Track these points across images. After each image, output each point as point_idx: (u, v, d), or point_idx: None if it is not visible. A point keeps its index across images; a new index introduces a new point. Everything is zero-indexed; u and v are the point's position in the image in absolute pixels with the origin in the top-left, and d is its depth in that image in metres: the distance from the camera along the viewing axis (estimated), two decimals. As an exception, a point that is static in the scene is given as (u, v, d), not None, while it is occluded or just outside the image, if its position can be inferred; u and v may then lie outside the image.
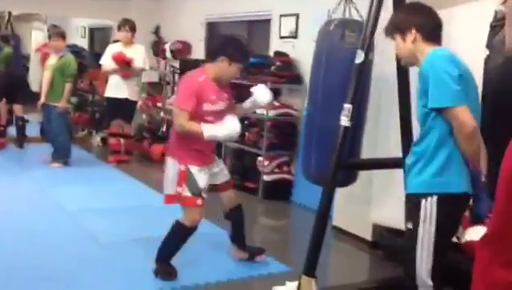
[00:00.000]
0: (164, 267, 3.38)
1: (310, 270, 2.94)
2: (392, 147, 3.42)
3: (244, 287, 3.46)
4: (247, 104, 3.53)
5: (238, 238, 3.69)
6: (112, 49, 6.55)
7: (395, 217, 3.64)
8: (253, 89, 3.47)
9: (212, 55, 3.39)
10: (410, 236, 2.31)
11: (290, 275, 3.38)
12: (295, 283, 3.00)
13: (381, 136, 3.71)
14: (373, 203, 3.90)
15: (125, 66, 6.32)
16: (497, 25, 2.74)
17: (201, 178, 3.28)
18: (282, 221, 5.19)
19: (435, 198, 2.22)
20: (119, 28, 6.51)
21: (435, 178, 2.24)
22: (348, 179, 3.35)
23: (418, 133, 2.39)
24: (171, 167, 3.30)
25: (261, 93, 3.46)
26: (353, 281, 3.50)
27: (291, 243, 4.60)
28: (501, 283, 0.89)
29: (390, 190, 3.66)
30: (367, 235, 4.17)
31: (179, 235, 3.37)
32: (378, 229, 4.06)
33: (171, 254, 3.39)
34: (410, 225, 2.33)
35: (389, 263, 3.83)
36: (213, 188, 3.51)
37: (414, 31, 2.36)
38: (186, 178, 3.24)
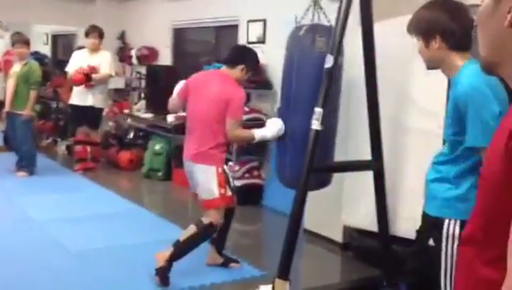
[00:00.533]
0: (167, 271, 3.35)
1: (284, 273, 2.96)
2: (362, 150, 3.48)
3: (218, 292, 3.46)
4: (259, 135, 3.45)
5: (219, 241, 3.70)
6: (77, 56, 6.46)
7: (365, 219, 3.71)
8: (269, 123, 3.47)
9: (232, 61, 3.51)
10: (433, 252, 2.19)
11: (263, 278, 3.41)
12: (269, 287, 3.01)
13: (351, 139, 3.77)
14: (344, 205, 3.95)
15: (86, 81, 6.23)
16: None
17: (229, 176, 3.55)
18: (253, 225, 5.20)
19: (458, 221, 2.10)
20: (87, 35, 6.41)
21: (460, 203, 2.08)
22: (322, 182, 3.38)
23: (444, 148, 2.21)
24: (205, 172, 3.37)
25: (274, 130, 3.39)
26: (326, 283, 3.54)
27: (264, 247, 4.62)
28: (484, 281, 0.92)
29: (361, 192, 3.72)
30: (338, 237, 4.23)
31: (206, 235, 3.47)
32: (349, 231, 4.12)
33: (183, 255, 3.41)
34: (431, 242, 2.21)
35: (360, 263, 3.89)
36: None
37: (438, 39, 2.09)
38: (226, 179, 3.43)
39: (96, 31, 6.37)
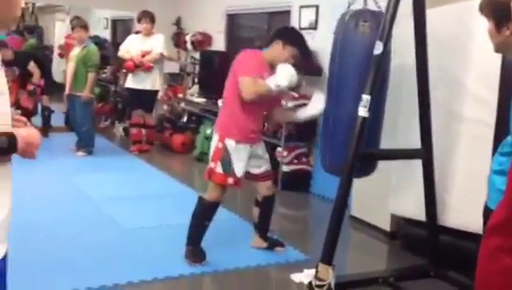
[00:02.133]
0: (192, 250, 3.46)
1: (327, 258, 2.99)
2: (411, 138, 3.44)
3: (262, 274, 3.53)
4: (301, 115, 3.46)
5: (263, 226, 3.73)
6: (131, 40, 6.66)
7: (413, 208, 3.67)
8: (313, 101, 3.41)
9: (269, 41, 3.47)
10: None
11: (308, 263, 3.44)
12: (313, 271, 3.05)
13: (400, 126, 3.73)
14: (392, 193, 3.92)
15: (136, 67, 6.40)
16: None
17: (237, 157, 3.33)
18: (300, 211, 5.23)
19: None
20: (139, 20, 6.58)
21: None
22: (367, 169, 3.36)
23: (509, 137, 2.10)
24: (213, 142, 3.40)
25: (316, 107, 3.37)
26: (371, 270, 3.53)
27: (309, 233, 4.65)
28: (507, 270, 0.92)
29: (409, 181, 3.68)
30: (385, 225, 4.20)
31: (202, 212, 3.46)
32: (396, 220, 4.09)
33: (199, 234, 3.47)
34: None
35: (406, 253, 3.86)
36: (252, 178, 3.56)
37: (511, 27, 2.03)
38: (221, 155, 3.32)
39: (147, 16, 6.50)
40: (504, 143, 2.13)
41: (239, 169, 3.36)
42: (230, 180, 3.36)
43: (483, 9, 2.13)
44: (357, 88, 3.01)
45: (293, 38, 3.40)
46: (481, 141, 3.18)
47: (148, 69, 6.44)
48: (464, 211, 3.34)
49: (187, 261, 3.44)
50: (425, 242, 3.51)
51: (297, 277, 3.24)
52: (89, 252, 3.58)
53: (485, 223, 2.16)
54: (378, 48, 2.93)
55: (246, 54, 3.39)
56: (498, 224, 0.95)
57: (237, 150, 3.34)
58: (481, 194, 2.25)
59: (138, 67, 6.41)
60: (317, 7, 5.47)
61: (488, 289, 0.95)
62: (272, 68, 3.33)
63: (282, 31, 3.51)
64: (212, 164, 3.37)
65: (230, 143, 3.33)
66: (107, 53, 8.55)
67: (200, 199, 3.48)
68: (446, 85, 3.45)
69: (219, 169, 3.34)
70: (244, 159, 3.38)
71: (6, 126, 1.43)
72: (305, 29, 5.60)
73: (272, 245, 3.76)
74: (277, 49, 3.36)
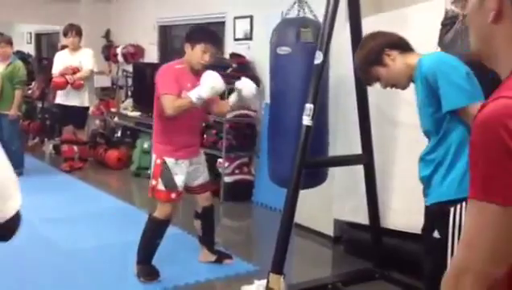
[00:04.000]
0: (146, 269, 3.38)
1: (277, 267, 2.99)
2: (352, 144, 3.52)
3: (213, 288, 3.48)
4: (232, 98, 3.47)
5: (208, 238, 3.70)
6: (59, 57, 6.40)
7: (356, 212, 3.75)
8: (237, 84, 3.43)
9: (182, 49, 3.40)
10: (439, 246, 2.12)
11: (256, 273, 3.43)
12: (264, 281, 3.04)
13: (341, 134, 3.80)
14: (335, 199, 3.99)
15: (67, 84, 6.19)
16: (448, 23, 2.88)
17: (178, 171, 3.29)
18: (244, 221, 5.22)
19: (464, 204, 2.01)
20: (65, 34, 6.34)
21: (461, 183, 2.06)
22: (318, 179, 3.41)
23: (429, 143, 2.24)
24: (153, 159, 3.35)
25: (247, 86, 3.42)
26: (318, 276, 3.57)
27: (255, 243, 4.64)
28: None
29: (351, 186, 3.76)
30: (329, 231, 4.26)
31: (152, 230, 3.38)
32: (339, 225, 4.16)
33: (150, 253, 3.39)
34: (436, 235, 2.15)
35: (351, 256, 3.93)
36: (189, 190, 3.52)
37: (388, 51, 2.29)
38: (161, 172, 3.27)
39: (73, 30, 6.28)
40: (426, 148, 2.27)
41: (180, 183, 3.32)
42: (173, 195, 3.32)
43: (365, 72, 2.43)
44: (298, 97, 3.06)
45: (195, 35, 3.32)
46: (418, 144, 3.29)
47: (78, 87, 6.24)
48: (403, 213, 3.44)
49: (140, 280, 3.35)
50: (368, 245, 3.60)
51: (248, 289, 3.22)
52: (29, 277, 3.42)
53: (425, 226, 2.28)
54: (319, 58, 2.98)
55: (163, 70, 3.35)
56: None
57: (177, 164, 3.31)
58: (419, 196, 2.33)
59: (69, 84, 6.19)
60: (251, 17, 5.51)
61: None
62: (197, 73, 3.28)
63: (187, 33, 3.42)
64: (153, 182, 3.31)
65: (169, 160, 3.29)
66: (32, 68, 8.21)
67: (151, 217, 3.40)
68: (382, 92, 3.54)
69: (161, 186, 3.29)
70: (184, 171, 3.34)
71: None
72: (240, 40, 5.64)
73: (220, 258, 3.72)
74: (188, 53, 3.29)
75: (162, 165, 3.27)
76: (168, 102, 3.17)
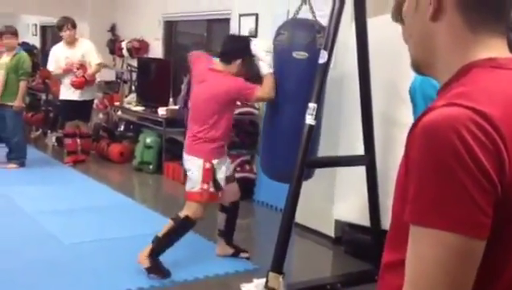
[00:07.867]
0: (158, 265, 3.39)
1: (277, 266, 2.99)
2: (354, 145, 3.51)
3: (212, 285, 3.48)
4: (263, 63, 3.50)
5: (228, 232, 3.75)
6: (56, 51, 6.30)
7: (357, 213, 3.74)
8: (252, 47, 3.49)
9: (228, 58, 3.45)
10: None
11: (256, 272, 3.43)
12: (263, 280, 3.04)
13: (343, 134, 3.80)
14: (336, 200, 3.98)
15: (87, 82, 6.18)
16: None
17: (221, 171, 3.43)
18: (245, 219, 5.19)
19: None
20: (60, 28, 6.19)
21: None
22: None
23: None
24: (194, 164, 3.38)
25: (257, 46, 3.48)
26: (317, 277, 3.57)
27: (255, 241, 4.64)
28: None
29: (353, 187, 3.75)
30: (329, 231, 4.26)
31: (183, 229, 3.43)
32: (340, 226, 4.15)
33: (164, 250, 3.41)
34: None
35: (351, 257, 3.92)
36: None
37: None
38: (212, 175, 3.37)
39: (69, 22, 6.17)
40: None
41: (223, 182, 3.46)
42: (220, 194, 3.48)
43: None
44: (300, 96, 3.05)
45: (251, 57, 3.46)
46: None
47: (92, 83, 6.27)
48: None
49: (151, 276, 3.36)
50: (369, 246, 3.59)
51: (247, 287, 3.22)
52: (30, 268, 3.42)
53: None
54: (323, 57, 2.98)
55: (232, 78, 3.41)
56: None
57: (219, 166, 3.43)
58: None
59: (88, 82, 6.17)
60: (257, 15, 5.49)
61: None
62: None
63: (243, 50, 3.47)
64: (204, 186, 3.38)
65: (215, 162, 3.40)
66: (37, 60, 8.22)
67: (183, 217, 3.41)
68: (386, 93, 3.55)
69: (212, 189, 3.39)
70: (224, 170, 3.47)
71: None
72: (245, 37, 5.61)
73: (237, 251, 3.77)
74: (237, 68, 3.44)
75: (211, 169, 3.37)
76: (263, 91, 3.35)
